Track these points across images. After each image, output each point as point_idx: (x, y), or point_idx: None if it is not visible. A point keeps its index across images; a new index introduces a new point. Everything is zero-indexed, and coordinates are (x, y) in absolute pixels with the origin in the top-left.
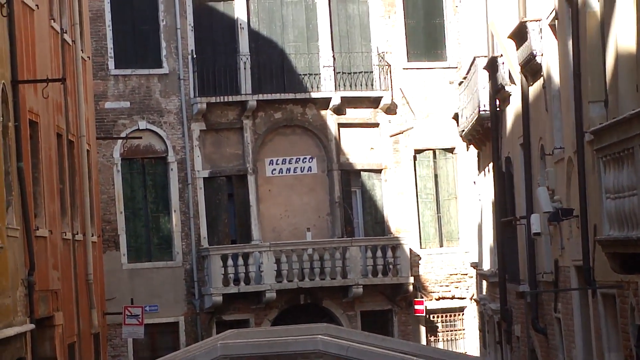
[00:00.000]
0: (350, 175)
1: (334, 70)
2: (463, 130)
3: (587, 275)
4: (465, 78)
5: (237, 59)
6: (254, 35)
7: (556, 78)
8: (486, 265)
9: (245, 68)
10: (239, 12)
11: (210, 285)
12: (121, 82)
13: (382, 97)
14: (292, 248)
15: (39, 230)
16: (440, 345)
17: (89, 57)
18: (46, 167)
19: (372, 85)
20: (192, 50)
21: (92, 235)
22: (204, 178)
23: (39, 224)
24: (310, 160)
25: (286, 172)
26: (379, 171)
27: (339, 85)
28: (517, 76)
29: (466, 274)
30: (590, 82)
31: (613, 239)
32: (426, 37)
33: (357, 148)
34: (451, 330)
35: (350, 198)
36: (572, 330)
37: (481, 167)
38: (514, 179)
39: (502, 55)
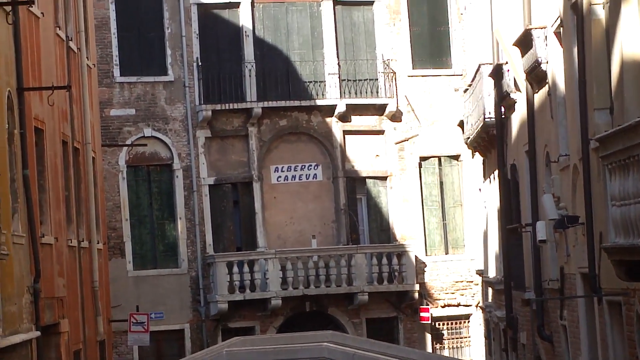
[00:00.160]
0: (356, 183)
1: (339, 77)
2: (468, 138)
3: (592, 282)
4: (470, 85)
5: (242, 67)
6: (259, 43)
7: (561, 85)
8: (492, 273)
9: (250, 75)
10: (244, 19)
11: (216, 293)
12: (126, 89)
13: (387, 104)
14: (297, 255)
15: (45, 237)
16: (445, 353)
17: (94, 64)
18: (52, 175)
19: (377, 92)
20: (197, 58)
21: (98, 243)
22: (210, 185)
23: (44, 231)
24: (316, 167)
25: (291, 180)
26: (384, 178)
27: (344, 93)
28: (522, 83)
29: (472, 282)
30: (596, 89)
31: (619, 246)
32: (431, 45)
33: (362, 155)
34: (457, 338)
35: (355, 205)
36: (578, 337)
37: (486, 175)
38: (520, 186)
39: (507, 63)
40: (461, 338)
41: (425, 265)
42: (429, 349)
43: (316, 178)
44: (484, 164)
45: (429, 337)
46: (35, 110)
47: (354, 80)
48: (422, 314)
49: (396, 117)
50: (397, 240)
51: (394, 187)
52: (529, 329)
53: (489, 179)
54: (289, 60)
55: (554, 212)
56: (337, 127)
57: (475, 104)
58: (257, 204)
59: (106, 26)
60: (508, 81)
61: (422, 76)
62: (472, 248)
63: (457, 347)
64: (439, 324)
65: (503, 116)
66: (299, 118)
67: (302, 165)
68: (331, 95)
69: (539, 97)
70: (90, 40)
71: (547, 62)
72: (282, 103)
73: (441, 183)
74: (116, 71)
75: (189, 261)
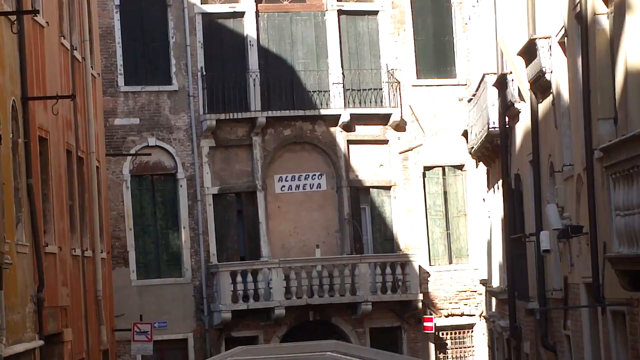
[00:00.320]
0: (360, 192)
1: (343, 87)
2: (472, 147)
3: (596, 292)
4: (474, 95)
5: (246, 76)
6: (263, 52)
7: (565, 95)
8: (495, 282)
9: (254, 85)
10: (249, 29)
11: (220, 302)
12: (131, 98)
13: (391, 114)
14: (301, 265)
15: (49, 246)
16: None
17: (98, 73)
18: (56, 184)
19: (381, 102)
20: (201, 67)
21: (102, 252)
22: (213, 195)
23: (48, 241)
24: (320, 177)
25: (295, 189)
26: (388, 188)
27: (349, 102)
28: (527, 93)
29: (475, 291)
30: (600, 99)
31: (623, 256)
32: (435, 54)
33: (366, 165)
34: (460, 348)
35: (359, 215)
36: (582, 347)
37: (490, 184)
38: (524, 196)
39: (511, 73)
40: (465, 348)
41: (429, 275)
42: (433, 359)
43: (320, 188)
44: (488, 173)
45: (432, 346)
46: (40, 120)
47: (358, 90)
48: (425, 324)
49: (400, 126)
50: (400, 250)
51: (397, 197)
52: (533, 338)
53: (492, 189)
54: (293, 69)
55: (557, 222)
56: (341, 137)
57: (480, 114)
58: (261, 214)
59: (111, 35)
60: (512, 91)
61: (427, 86)
62: (476, 258)
63: (460, 357)
64: (442, 334)
65: (507, 126)
66: (303, 128)
67: (306, 175)
68: (335, 104)
69: (543, 107)
70: (94, 49)
71: (551, 72)
72: (286, 113)
73: (445, 193)
74: (120, 80)
75: (193, 270)
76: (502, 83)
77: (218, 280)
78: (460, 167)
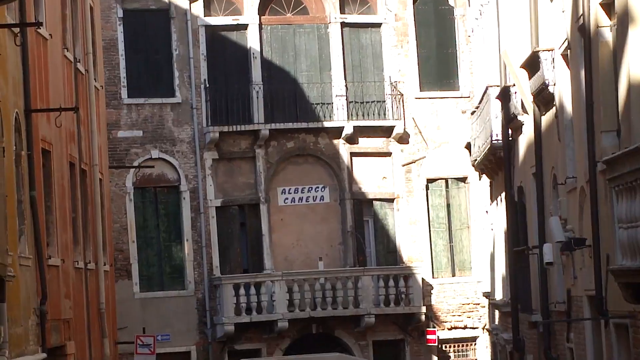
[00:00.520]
0: (363, 205)
1: (346, 99)
2: (475, 160)
3: (599, 305)
4: (477, 107)
5: (249, 88)
6: (266, 65)
7: (569, 108)
8: (498, 295)
9: (257, 97)
10: (252, 41)
11: (222, 315)
12: (134, 111)
13: (394, 126)
14: (304, 277)
15: (51, 259)
16: None
17: (102, 86)
18: (59, 196)
19: (384, 114)
20: (204, 80)
21: (104, 264)
22: (217, 207)
23: (51, 253)
24: (323, 189)
25: (298, 202)
26: (391, 200)
27: (352, 115)
28: (530, 106)
29: (478, 304)
30: (603, 111)
31: (626, 268)
32: (439, 67)
33: (369, 177)
34: None
35: (362, 227)
36: None
37: (493, 197)
38: (527, 208)
39: (514, 85)
40: None
41: (432, 288)
42: None
43: (323, 200)
44: (491, 186)
45: (435, 359)
46: (43, 132)
47: (361, 102)
48: (428, 337)
49: (403, 139)
50: (403, 263)
51: (400, 209)
52: (536, 351)
53: (496, 201)
54: (296, 82)
55: (560, 235)
56: (344, 149)
57: (483, 126)
58: (264, 226)
59: (114, 47)
60: (515, 103)
61: (430, 98)
62: (479, 270)
63: None
64: (445, 347)
65: (510, 138)
66: (306, 140)
67: (309, 187)
68: (338, 117)
69: (546, 119)
70: (98, 61)
71: (554, 85)
72: (290, 125)
73: (448, 205)
74: (124, 93)
75: (196, 283)
76: (505, 95)
77: (221, 293)
78: (463, 180)
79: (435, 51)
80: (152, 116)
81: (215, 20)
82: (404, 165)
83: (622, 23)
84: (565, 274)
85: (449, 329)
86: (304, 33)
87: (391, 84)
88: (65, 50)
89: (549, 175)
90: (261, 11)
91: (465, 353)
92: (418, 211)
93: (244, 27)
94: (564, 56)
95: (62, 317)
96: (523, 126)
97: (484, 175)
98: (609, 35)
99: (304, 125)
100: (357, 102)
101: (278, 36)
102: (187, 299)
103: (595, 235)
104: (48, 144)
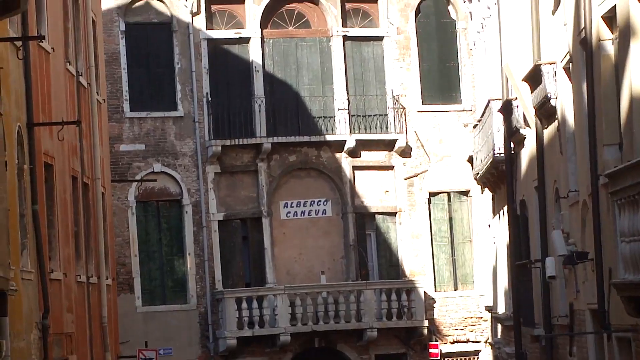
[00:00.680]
0: (365, 218)
1: (348, 113)
2: (478, 173)
3: (602, 318)
4: (479, 121)
5: (252, 102)
6: (268, 78)
7: (571, 121)
8: (501, 309)
9: (260, 111)
10: (254, 55)
11: (225, 329)
12: (136, 124)
13: (396, 139)
14: (306, 291)
15: (54, 273)
16: None
17: (104, 99)
18: (61, 210)
19: (386, 128)
20: (207, 93)
21: (107, 278)
22: (219, 221)
23: (53, 267)
24: (325, 203)
25: (301, 215)
26: (393, 214)
27: (354, 128)
28: (532, 119)
29: (481, 318)
30: (605, 125)
31: (628, 282)
32: (441, 80)
33: (371, 191)
34: None
35: (364, 241)
36: None
37: (496, 210)
38: (529, 222)
39: (516, 98)
40: None
41: (435, 301)
42: None
43: (325, 214)
44: (493, 199)
45: None
46: (45, 146)
47: (363, 116)
48: (431, 350)
49: (405, 152)
50: (406, 276)
51: (403, 223)
52: None
53: (498, 215)
54: (298, 95)
55: (563, 248)
56: (346, 163)
57: (485, 140)
58: (266, 240)
59: (116, 61)
60: (517, 117)
61: (432, 112)
62: (482, 284)
63: None
64: None
65: (512, 152)
66: (309, 153)
67: (311, 201)
68: (341, 130)
69: (549, 132)
70: (100, 75)
71: (556, 98)
72: (292, 138)
73: (450, 219)
74: (126, 106)
75: (198, 297)
76: (507, 109)
77: (223, 307)
78: (465, 193)
79: (437, 64)
80: (154, 130)
81: (218, 33)
82: (406, 179)
83: (624, 36)
84: (567, 288)
85: (451, 343)
86: (306, 46)
87: (393, 97)
88: (68, 63)
89: (551, 189)
90: (263, 24)
91: None
92: (420, 225)
93: (246, 40)
94: (566, 69)
95: (65, 331)
96: (525, 139)
97: (486, 189)
98: (610, 48)
99: (306, 138)
100: (360, 116)
101: (280, 49)
102: (189, 312)
103: (597, 249)
104: (50, 157)
